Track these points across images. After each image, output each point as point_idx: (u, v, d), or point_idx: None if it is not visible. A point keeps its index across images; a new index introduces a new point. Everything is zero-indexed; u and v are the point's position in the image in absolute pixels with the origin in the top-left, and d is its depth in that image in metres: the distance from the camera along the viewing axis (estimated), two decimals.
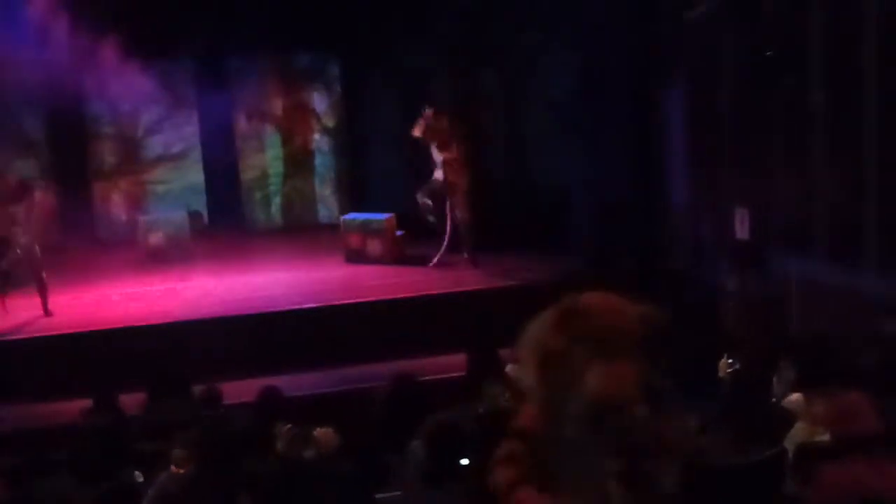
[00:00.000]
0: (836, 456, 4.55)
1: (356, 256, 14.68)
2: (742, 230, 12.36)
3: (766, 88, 12.47)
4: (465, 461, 6.68)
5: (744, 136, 13.12)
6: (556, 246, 14.15)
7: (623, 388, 2.38)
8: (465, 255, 13.95)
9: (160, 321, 12.17)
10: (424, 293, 12.89)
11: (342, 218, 15.37)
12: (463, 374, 10.16)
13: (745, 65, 12.80)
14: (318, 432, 7.67)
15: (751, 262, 12.16)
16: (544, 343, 2.54)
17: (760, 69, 12.35)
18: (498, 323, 11.58)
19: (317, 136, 18.04)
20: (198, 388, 9.16)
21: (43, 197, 15.15)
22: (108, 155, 17.27)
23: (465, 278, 13.50)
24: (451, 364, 10.87)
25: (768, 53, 11.75)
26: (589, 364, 2.40)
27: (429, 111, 13.70)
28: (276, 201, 18.08)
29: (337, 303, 12.63)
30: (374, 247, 14.61)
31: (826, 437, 5.21)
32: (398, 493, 6.91)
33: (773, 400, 7.21)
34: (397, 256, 14.55)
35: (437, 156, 13.80)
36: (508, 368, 9.13)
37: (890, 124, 10.90)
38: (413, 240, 14.75)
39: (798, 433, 5.96)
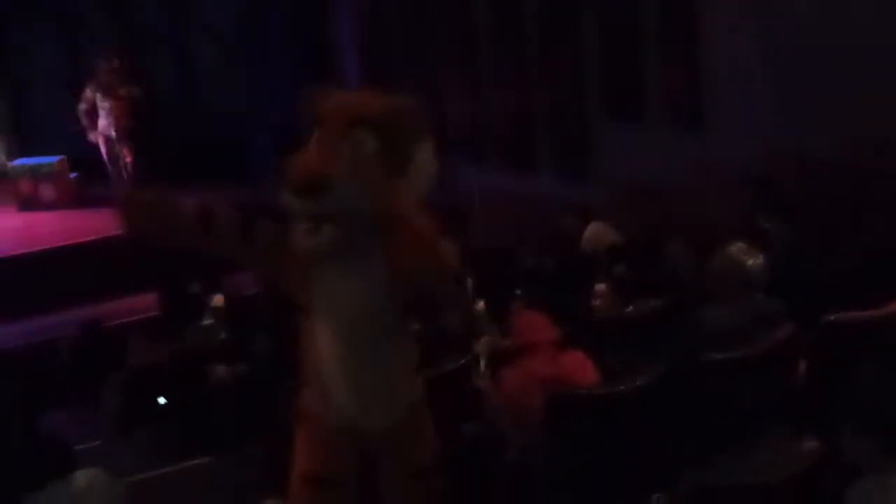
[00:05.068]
0: (516, 358, 4.82)
1: (29, 203, 13.98)
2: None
3: (433, 4, 12.68)
4: (162, 400, 6.57)
5: (415, 54, 13.31)
6: (237, 177, 13.95)
7: None
8: None
9: None
10: (106, 235, 12.44)
11: (9, 164, 14.59)
12: (156, 313, 9.96)
13: None
14: None
15: None
16: None
17: None
18: (185, 259, 11.38)
19: None
20: None
21: None
22: None
23: None
24: (142, 305, 10.61)
25: None
26: None
27: (103, 67, 13.21)
28: None
29: (13, 254, 12.03)
30: (48, 192, 13.96)
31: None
32: (97, 442, 6.70)
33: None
34: (73, 199, 13.98)
35: (102, 101, 13.30)
36: (216, 300, 8.86)
37: (551, 31, 11.31)
38: (88, 181, 14.18)
39: (487, 343, 6.21)
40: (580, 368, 4.80)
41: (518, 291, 7.43)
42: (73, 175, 14.15)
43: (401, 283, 3.54)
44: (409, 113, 3.67)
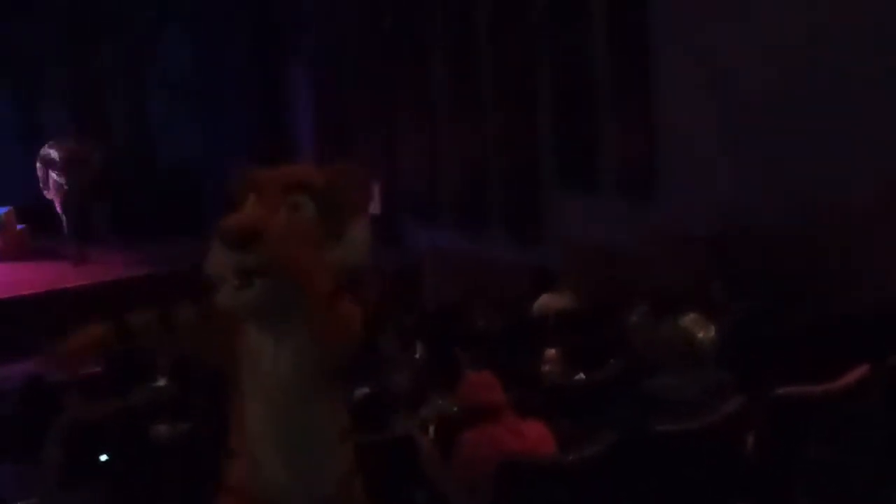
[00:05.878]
0: (470, 424, 4.78)
1: None
2: (373, 204, 12.55)
3: (389, 61, 12.70)
4: (104, 457, 6.45)
5: (370, 113, 13.32)
6: (190, 229, 13.82)
7: None
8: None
9: None
10: (55, 287, 12.30)
11: None
12: (99, 368, 9.78)
13: (368, 39, 12.98)
14: None
15: (384, 237, 12.35)
16: None
17: (383, 42, 12.56)
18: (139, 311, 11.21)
19: None
20: None
21: None
22: None
23: (98, 269, 12.96)
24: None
25: (386, 24, 11.98)
26: None
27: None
28: None
29: None
30: None
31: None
32: (36, 500, 6.55)
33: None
34: (21, 251, 13.82)
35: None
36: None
37: (506, 94, 11.36)
38: (36, 233, 14.02)
39: (435, 406, 6.14)
40: (543, 441, 4.77)
41: (468, 353, 7.39)
42: (21, 227, 14.00)
43: (328, 349, 3.46)
44: (348, 183, 3.66)
